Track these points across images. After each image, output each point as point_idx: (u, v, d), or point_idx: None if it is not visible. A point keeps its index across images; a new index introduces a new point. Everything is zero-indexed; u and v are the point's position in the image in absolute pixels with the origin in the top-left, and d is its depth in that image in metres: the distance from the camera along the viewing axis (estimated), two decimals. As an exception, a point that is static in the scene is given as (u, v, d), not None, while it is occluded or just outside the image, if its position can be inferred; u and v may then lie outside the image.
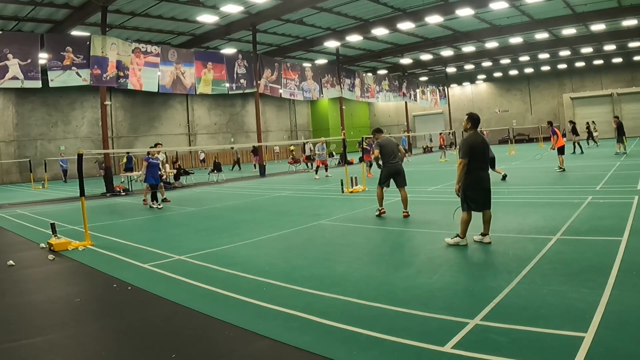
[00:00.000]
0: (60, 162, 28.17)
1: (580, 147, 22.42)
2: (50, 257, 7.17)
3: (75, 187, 11.88)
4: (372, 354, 3.33)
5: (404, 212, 8.77)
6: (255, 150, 27.39)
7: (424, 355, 3.25)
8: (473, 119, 6.31)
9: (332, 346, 3.48)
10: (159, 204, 12.68)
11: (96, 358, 3.61)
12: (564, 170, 14.56)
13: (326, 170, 20.00)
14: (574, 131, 22.34)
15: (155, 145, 13.87)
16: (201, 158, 35.54)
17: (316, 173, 19.69)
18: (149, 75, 18.93)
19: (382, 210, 8.97)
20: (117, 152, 31.98)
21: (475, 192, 6.18)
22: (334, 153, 32.61)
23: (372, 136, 9.74)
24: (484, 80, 44.74)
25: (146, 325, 4.27)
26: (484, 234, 6.32)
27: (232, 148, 34.62)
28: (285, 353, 3.47)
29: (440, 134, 29.83)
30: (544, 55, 36.15)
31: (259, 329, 3.87)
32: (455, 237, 6.29)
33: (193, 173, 22.12)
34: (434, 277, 4.99)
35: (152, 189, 12.81)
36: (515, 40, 30.29)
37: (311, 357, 3.36)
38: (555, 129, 15.54)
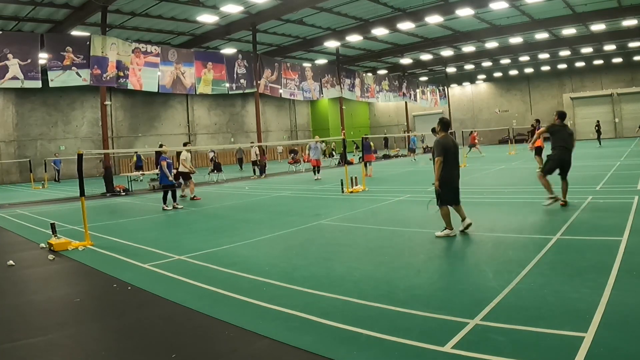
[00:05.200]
0: (53, 163, 28.09)
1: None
2: (50, 257, 7.17)
3: (76, 187, 11.89)
4: (372, 353, 3.33)
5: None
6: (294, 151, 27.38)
7: (424, 355, 3.25)
8: (443, 123, 6.97)
9: (332, 346, 3.48)
10: (167, 206, 12.14)
11: (96, 358, 3.61)
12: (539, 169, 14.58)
13: (317, 172, 18.99)
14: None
15: (161, 146, 13.41)
16: (210, 157, 35.56)
17: (318, 172, 19.20)
18: (149, 75, 18.93)
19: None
20: (117, 152, 32.03)
21: (447, 189, 6.81)
22: (334, 153, 32.64)
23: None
24: (484, 80, 44.72)
25: (146, 325, 4.27)
26: (463, 219, 6.95)
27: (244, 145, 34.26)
28: (285, 353, 3.47)
29: (473, 132, 29.66)
30: (544, 55, 36.15)
31: (259, 329, 3.87)
32: (444, 230, 6.82)
33: (193, 173, 22.08)
34: (434, 277, 4.99)
35: (165, 189, 12.37)
36: (515, 40, 30.29)
37: (311, 357, 3.36)
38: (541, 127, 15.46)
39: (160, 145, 13.50)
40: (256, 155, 23.07)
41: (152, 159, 26.80)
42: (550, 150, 8.67)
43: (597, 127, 28.16)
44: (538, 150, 14.98)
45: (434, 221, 8.17)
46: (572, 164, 8.66)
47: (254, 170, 23.21)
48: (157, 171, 20.32)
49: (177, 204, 12.30)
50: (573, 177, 13.21)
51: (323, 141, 36.00)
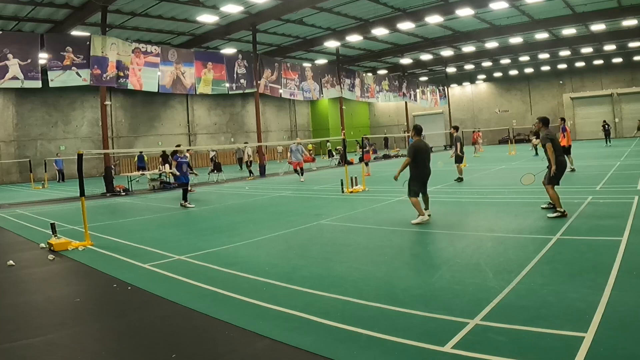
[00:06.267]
0: (54, 163, 28.14)
1: (536, 149, 22.56)
2: (50, 257, 7.17)
3: (75, 186, 11.91)
4: (372, 353, 3.33)
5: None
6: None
7: (424, 355, 3.25)
8: (416, 129, 8.56)
9: (332, 346, 3.48)
10: (189, 202, 12.47)
11: (96, 358, 3.61)
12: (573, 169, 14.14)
13: (301, 174, 18.49)
14: (537, 135, 22.50)
15: (178, 146, 13.93)
16: (210, 157, 35.59)
17: (301, 174, 18.55)
18: (149, 75, 18.92)
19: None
20: (117, 152, 32.02)
21: (416, 183, 8.13)
22: (334, 153, 32.64)
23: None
24: (484, 80, 44.72)
25: (146, 325, 4.27)
26: (426, 209, 8.30)
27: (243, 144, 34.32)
28: (285, 353, 3.47)
29: (477, 131, 30.05)
30: (544, 55, 36.15)
31: (259, 329, 3.87)
32: (418, 217, 7.95)
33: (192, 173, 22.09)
34: (434, 277, 4.99)
35: (184, 187, 12.77)
36: (515, 40, 30.29)
37: (311, 357, 3.36)
38: (566, 127, 14.98)
39: (178, 145, 13.81)
40: (248, 156, 22.86)
41: (157, 158, 26.80)
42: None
43: (604, 126, 28.65)
44: (567, 150, 14.37)
45: (434, 221, 8.19)
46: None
47: (250, 172, 23.03)
48: (156, 171, 20.44)
49: (188, 203, 12.55)
50: (573, 177, 13.29)
51: (327, 141, 36.03)
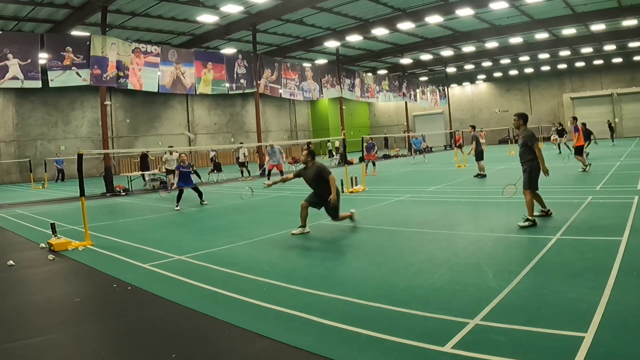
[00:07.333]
0: (55, 163, 28.13)
1: (559, 147, 22.66)
2: (50, 257, 7.17)
3: (75, 186, 11.91)
4: (372, 354, 3.33)
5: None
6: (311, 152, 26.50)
7: (424, 355, 3.25)
8: (312, 154, 8.66)
9: (332, 346, 3.48)
10: (177, 206, 12.20)
11: (96, 358, 3.61)
12: (586, 169, 14.06)
13: (269, 176, 17.62)
14: (560, 133, 22.57)
15: (180, 155, 13.98)
16: (210, 157, 35.52)
17: (268, 178, 17.47)
18: (149, 75, 18.94)
19: None
20: (117, 152, 32.04)
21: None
22: (334, 153, 32.67)
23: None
24: (484, 80, 44.73)
25: (146, 325, 4.27)
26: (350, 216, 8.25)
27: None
28: (285, 353, 3.47)
29: (481, 131, 29.68)
30: (544, 55, 36.16)
31: (259, 329, 3.87)
32: (299, 228, 7.89)
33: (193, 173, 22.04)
34: (434, 277, 4.99)
35: (197, 190, 12.91)
36: (515, 40, 30.31)
37: (311, 357, 3.36)
38: (579, 126, 14.73)
39: (180, 155, 14.05)
40: (245, 156, 22.53)
41: (160, 158, 26.69)
42: (529, 160, 7.23)
43: (609, 125, 29.13)
44: (580, 150, 14.53)
45: (434, 221, 8.19)
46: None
47: (242, 172, 22.44)
48: (155, 171, 20.44)
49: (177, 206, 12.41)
50: (573, 177, 13.29)
51: (328, 140, 35.97)
